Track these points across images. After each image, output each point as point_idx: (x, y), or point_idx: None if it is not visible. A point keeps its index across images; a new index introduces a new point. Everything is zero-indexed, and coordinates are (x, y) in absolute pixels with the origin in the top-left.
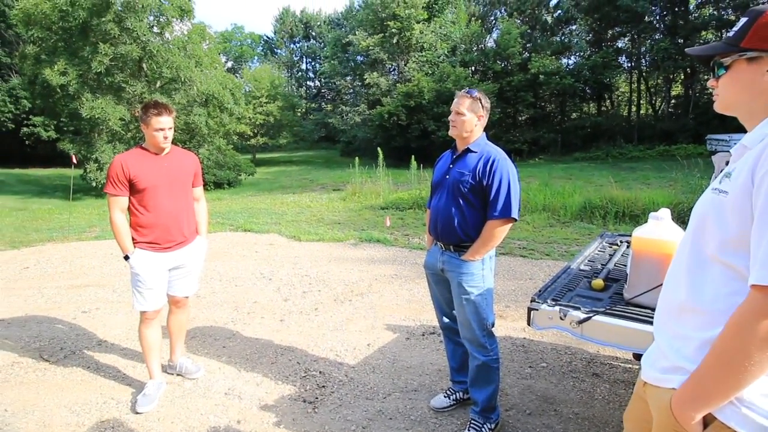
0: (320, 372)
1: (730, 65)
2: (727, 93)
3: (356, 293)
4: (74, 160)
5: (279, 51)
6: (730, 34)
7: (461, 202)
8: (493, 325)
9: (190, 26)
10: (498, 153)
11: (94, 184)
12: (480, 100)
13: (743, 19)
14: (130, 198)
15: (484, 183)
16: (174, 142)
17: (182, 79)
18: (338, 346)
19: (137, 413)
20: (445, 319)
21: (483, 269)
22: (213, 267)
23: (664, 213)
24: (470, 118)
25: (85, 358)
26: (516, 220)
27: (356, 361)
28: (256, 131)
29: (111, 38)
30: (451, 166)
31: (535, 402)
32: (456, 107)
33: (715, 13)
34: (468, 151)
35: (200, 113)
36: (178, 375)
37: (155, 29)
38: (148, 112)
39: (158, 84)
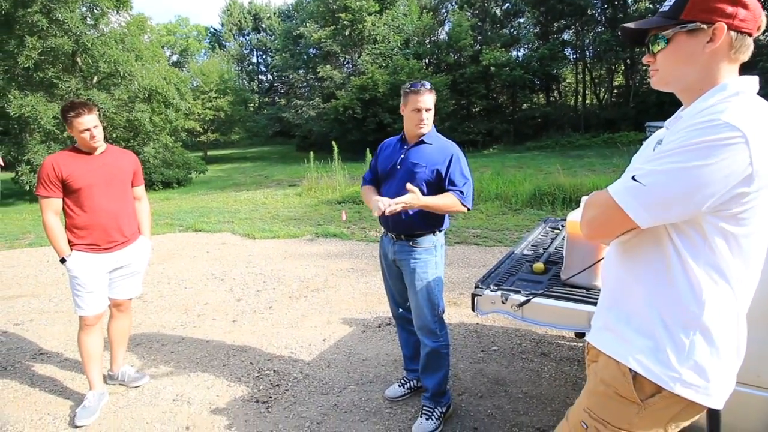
0: (274, 371)
1: (671, 38)
2: (667, 67)
3: (312, 289)
4: (1, 163)
5: (227, 44)
6: (665, 8)
7: None
8: (443, 312)
9: (128, 18)
10: (454, 147)
11: (27, 187)
12: (434, 91)
13: None
14: (64, 199)
15: (444, 176)
16: (117, 140)
17: (121, 73)
18: (293, 343)
19: (76, 427)
20: (399, 309)
21: (435, 256)
22: (161, 270)
23: None
24: (433, 111)
25: (18, 374)
26: (469, 209)
27: (311, 357)
28: (206, 127)
29: (39, 30)
30: (402, 156)
31: (487, 384)
32: (425, 104)
33: (651, 6)
34: (422, 142)
35: (143, 109)
36: (120, 384)
37: (89, 20)
38: (66, 115)
39: (95, 79)
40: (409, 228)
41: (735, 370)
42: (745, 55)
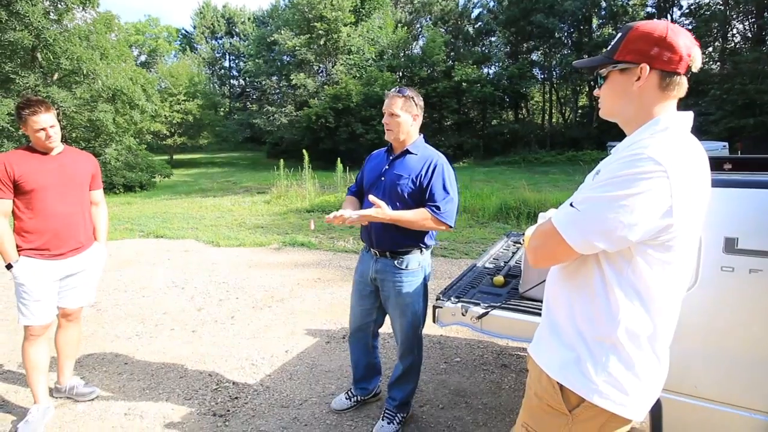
0: (233, 383)
1: (607, 76)
2: (605, 101)
3: (276, 299)
4: None
5: (199, 46)
6: (609, 47)
7: (398, 205)
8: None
9: (94, 15)
10: (440, 157)
11: None
12: (413, 98)
13: (618, 34)
14: (14, 200)
15: (425, 187)
16: (77, 140)
17: (84, 71)
18: (254, 354)
19: None
20: (357, 328)
21: (423, 278)
22: (118, 277)
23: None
24: (406, 118)
25: None
26: (452, 227)
27: (273, 369)
28: (173, 130)
29: None
30: (387, 167)
31: (448, 396)
32: (389, 108)
33: (614, 32)
34: (407, 152)
35: (106, 109)
36: (68, 398)
37: (52, 15)
38: (21, 112)
39: (56, 76)
40: (392, 243)
41: (656, 385)
42: (678, 91)
